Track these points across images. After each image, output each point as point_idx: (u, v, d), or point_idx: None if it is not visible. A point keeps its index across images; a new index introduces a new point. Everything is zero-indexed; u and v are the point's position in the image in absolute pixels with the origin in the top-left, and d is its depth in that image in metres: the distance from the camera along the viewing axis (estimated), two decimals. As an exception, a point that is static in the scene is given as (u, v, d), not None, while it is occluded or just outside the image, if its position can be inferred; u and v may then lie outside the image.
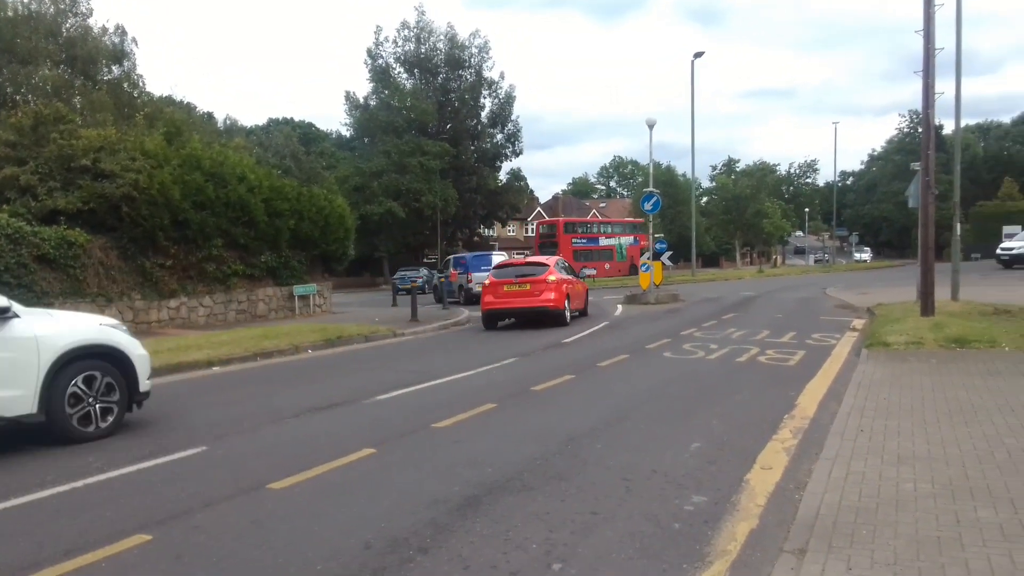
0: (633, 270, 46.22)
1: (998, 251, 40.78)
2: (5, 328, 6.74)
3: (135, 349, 7.80)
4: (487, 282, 17.99)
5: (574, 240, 50.05)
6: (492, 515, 4.76)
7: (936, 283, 14.36)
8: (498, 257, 31.29)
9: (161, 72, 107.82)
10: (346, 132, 64.33)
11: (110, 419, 7.38)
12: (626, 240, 50.92)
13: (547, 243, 48.90)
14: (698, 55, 44.67)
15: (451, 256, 33.81)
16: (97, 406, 7.26)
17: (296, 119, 76.29)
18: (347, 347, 14.84)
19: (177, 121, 27.75)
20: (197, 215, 19.45)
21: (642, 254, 29.11)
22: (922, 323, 13.02)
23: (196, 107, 47.53)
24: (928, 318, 13.60)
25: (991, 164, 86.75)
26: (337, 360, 13.11)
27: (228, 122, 57.15)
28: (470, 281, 26.43)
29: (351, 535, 4.46)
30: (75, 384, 7.10)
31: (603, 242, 50.35)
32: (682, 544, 4.23)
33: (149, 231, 18.48)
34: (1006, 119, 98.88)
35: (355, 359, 13.23)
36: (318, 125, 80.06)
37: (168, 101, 38.84)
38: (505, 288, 17.35)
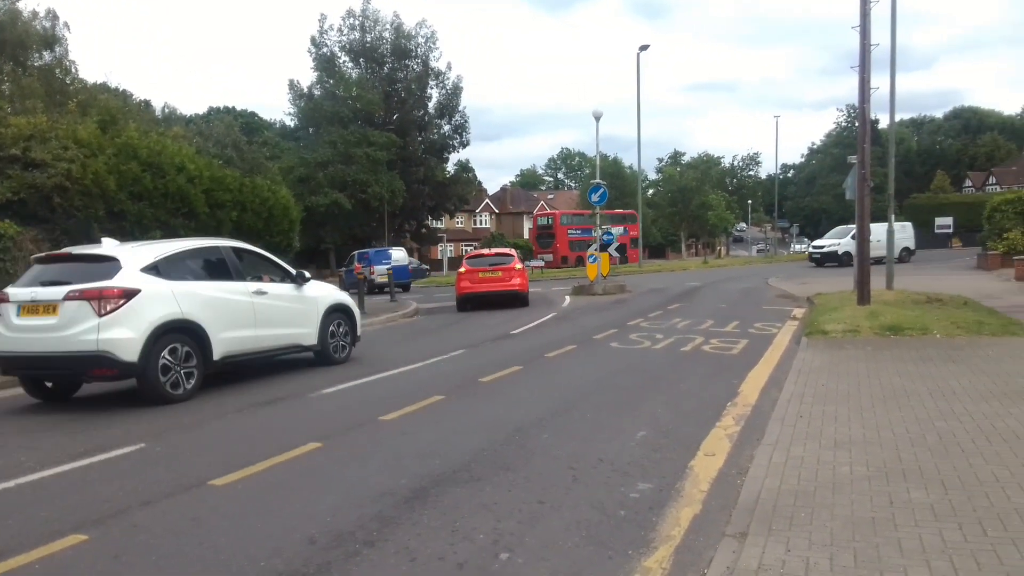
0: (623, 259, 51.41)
1: (810, 249, 41.06)
2: (303, 290, 10.88)
3: (355, 308, 12.13)
4: (462, 270, 20.92)
5: (570, 231, 53.51)
6: (439, 507, 4.75)
7: (872, 273, 14.80)
8: (397, 252, 34.63)
9: (95, 58, 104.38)
10: (290, 122, 63.10)
11: (346, 352, 11.59)
12: (617, 230, 52.98)
13: (544, 234, 51.57)
14: (643, 48, 45.12)
15: (355, 252, 36.47)
16: (340, 343, 11.44)
17: (238, 108, 74.38)
18: (292, 340, 14.59)
19: (112, 109, 26.87)
20: (134, 206, 18.84)
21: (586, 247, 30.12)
22: (858, 312, 13.41)
23: (132, 95, 45.90)
24: (864, 307, 14.01)
25: (924, 157, 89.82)
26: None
27: (166, 110, 55.42)
28: (372, 273, 28.70)
29: (295, 530, 4.40)
30: (332, 327, 11.27)
31: (595, 233, 51.31)
32: (627, 531, 4.28)
33: (83, 222, 17.86)
34: (939, 114, 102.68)
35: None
36: (261, 114, 78.21)
37: (102, 88, 37.48)
38: (480, 275, 20.40)
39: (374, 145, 50.70)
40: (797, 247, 79.05)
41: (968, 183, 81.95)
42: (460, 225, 79.19)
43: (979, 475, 4.72)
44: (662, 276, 38.21)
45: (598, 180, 27.47)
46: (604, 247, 27.04)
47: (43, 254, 9.91)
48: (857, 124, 15.32)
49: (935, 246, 56.75)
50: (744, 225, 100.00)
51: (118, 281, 8.29)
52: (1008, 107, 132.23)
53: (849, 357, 9.59)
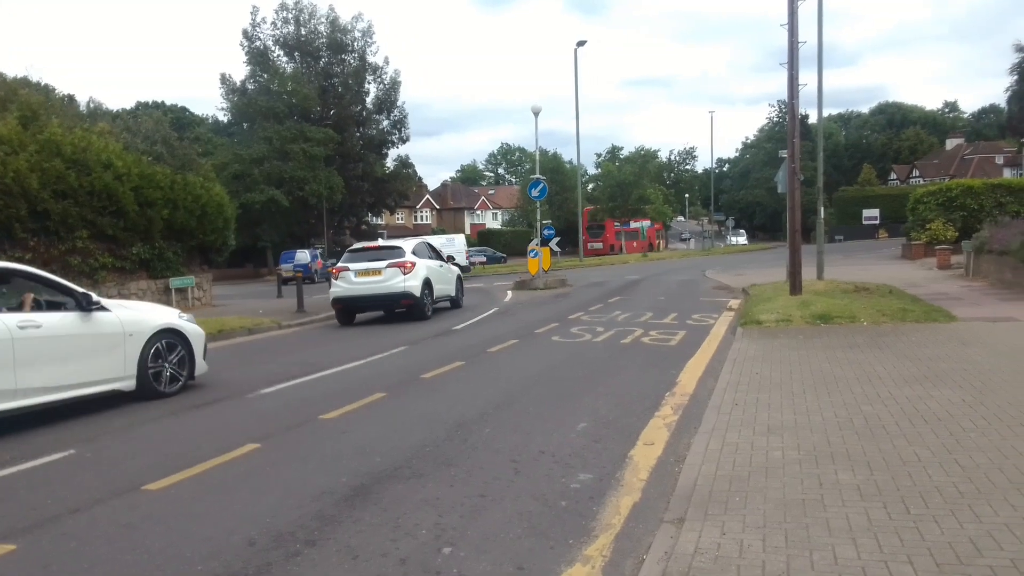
0: (650, 247, 67.74)
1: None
2: (447, 265, 18.83)
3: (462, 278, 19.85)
4: None
5: (616, 224, 68.58)
6: (381, 504, 4.73)
7: (803, 263, 15.26)
8: (300, 253, 42.79)
9: (15, 51, 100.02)
10: (223, 117, 61.49)
11: (461, 299, 19.41)
12: (645, 224, 71.31)
13: (595, 227, 66.72)
14: (581, 43, 45.45)
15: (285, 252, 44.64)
16: (461, 293, 19.41)
17: (168, 102, 72.28)
18: (229, 340, 14.31)
19: (33, 104, 25.81)
20: (58, 205, 18.16)
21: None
22: (791, 302, 13.81)
23: (55, 89, 44.20)
24: (796, 297, 14.44)
25: (852, 151, 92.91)
26: (219, 354, 12.57)
27: (92, 105, 53.33)
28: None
29: (234, 533, 4.33)
30: (457, 283, 19.21)
31: (632, 226, 69.08)
32: (569, 521, 4.34)
33: (4, 223, 17.13)
34: (865, 109, 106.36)
35: (238, 352, 12.79)
36: (192, 109, 76.32)
37: (23, 83, 36.00)
38: None
39: (311, 141, 49.86)
40: (733, 239, 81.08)
41: (893, 176, 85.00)
42: (401, 221, 78.63)
43: (903, 456, 4.93)
44: (603, 270, 38.65)
45: (538, 175, 27.61)
46: (545, 242, 27.18)
47: (359, 245, 18.07)
48: (788, 119, 15.74)
49: (863, 237, 58.75)
50: (682, 218, 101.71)
51: (407, 258, 16.03)
52: (929, 102, 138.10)
53: (782, 346, 9.88)
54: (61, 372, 7.40)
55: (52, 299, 7.90)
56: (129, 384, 8.18)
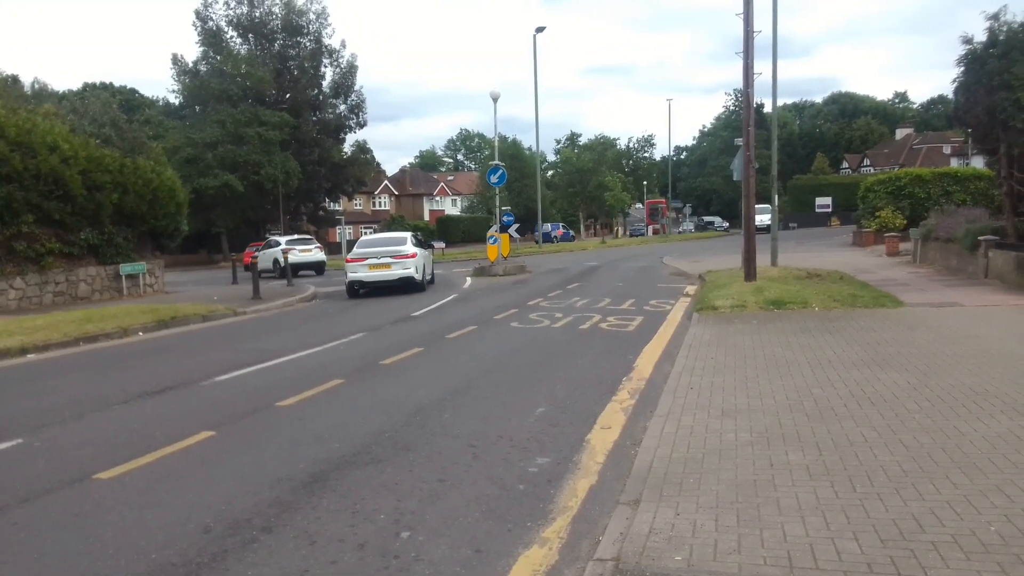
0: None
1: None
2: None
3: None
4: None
5: (668, 211, 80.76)
6: (339, 490, 4.71)
7: (757, 250, 15.52)
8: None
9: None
10: (175, 99, 60.09)
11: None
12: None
13: (655, 212, 78.27)
14: (540, 30, 45.37)
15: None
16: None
17: (116, 84, 70.15)
18: (183, 328, 14.05)
19: (-25, 84, 24.86)
20: (2, 189, 17.62)
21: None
22: (745, 288, 14.05)
23: (-2, 69, 42.64)
24: (751, 283, 14.69)
25: (806, 140, 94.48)
26: (172, 342, 12.39)
27: (37, 86, 51.51)
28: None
29: (188, 521, 4.28)
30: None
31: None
32: (526, 504, 4.38)
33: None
34: (818, 99, 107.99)
35: (192, 340, 12.57)
36: (142, 91, 74.23)
37: (-37, 61, 34.61)
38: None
39: (266, 124, 48.99)
40: (687, 227, 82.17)
41: (845, 165, 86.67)
42: (359, 207, 77.74)
43: (850, 436, 5.07)
44: (562, 256, 38.79)
45: (497, 161, 27.57)
46: (504, 229, 27.18)
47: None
48: (743, 108, 15.95)
49: (816, 224, 59.85)
50: (640, 205, 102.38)
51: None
52: (881, 93, 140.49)
53: (736, 331, 10.06)
54: (425, 270, 19.74)
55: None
56: (427, 279, 20.12)
